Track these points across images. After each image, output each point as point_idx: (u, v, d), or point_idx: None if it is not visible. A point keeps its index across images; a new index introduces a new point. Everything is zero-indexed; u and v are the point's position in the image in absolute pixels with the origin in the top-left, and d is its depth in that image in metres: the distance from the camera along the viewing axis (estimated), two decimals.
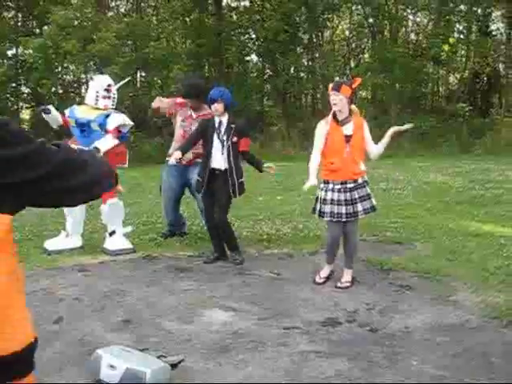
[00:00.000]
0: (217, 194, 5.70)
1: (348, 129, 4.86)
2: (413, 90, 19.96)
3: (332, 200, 4.90)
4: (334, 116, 4.90)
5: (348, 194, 4.86)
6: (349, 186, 4.86)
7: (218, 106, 5.60)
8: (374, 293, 4.83)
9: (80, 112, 6.29)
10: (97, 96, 6.24)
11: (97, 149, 6.12)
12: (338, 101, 4.81)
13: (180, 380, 3.32)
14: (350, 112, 4.89)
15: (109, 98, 6.28)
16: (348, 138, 4.85)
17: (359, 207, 4.89)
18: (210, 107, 5.80)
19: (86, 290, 4.98)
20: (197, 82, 6.92)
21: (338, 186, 4.88)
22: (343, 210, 4.87)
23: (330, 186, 4.91)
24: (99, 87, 6.27)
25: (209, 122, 5.76)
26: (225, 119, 5.66)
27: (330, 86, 4.95)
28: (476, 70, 21.35)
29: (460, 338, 3.85)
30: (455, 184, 10.45)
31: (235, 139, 5.62)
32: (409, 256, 5.88)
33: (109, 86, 6.31)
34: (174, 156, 5.61)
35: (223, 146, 5.62)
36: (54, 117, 6.29)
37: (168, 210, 6.83)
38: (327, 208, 4.92)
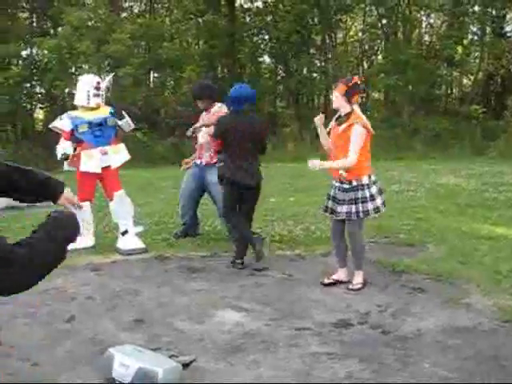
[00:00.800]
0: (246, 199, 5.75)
1: (339, 129, 4.92)
2: (426, 91, 19.87)
3: (329, 195, 5.06)
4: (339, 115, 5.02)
5: (342, 193, 4.91)
6: (345, 186, 4.89)
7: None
8: (386, 295, 4.81)
9: (85, 115, 6.30)
10: (88, 96, 6.25)
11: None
12: (334, 98, 4.92)
13: (192, 380, 3.33)
14: (349, 114, 4.87)
15: (98, 95, 6.31)
16: (332, 138, 5.00)
17: (343, 209, 4.90)
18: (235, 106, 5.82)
19: (98, 289, 5.00)
20: (207, 83, 7.08)
21: (337, 184, 4.97)
22: (336, 207, 4.97)
23: (333, 182, 5.05)
24: (90, 86, 6.28)
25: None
26: None
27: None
28: (490, 71, 21.22)
29: (472, 340, 3.84)
30: (468, 186, 10.40)
31: None
32: (421, 258, 5.86)
33: (98, 83, 6.36)
34: None
35: None
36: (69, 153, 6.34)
37: (186, 210, 6.84)
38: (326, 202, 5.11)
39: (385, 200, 5.06)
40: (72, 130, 6.26)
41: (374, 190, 4.92)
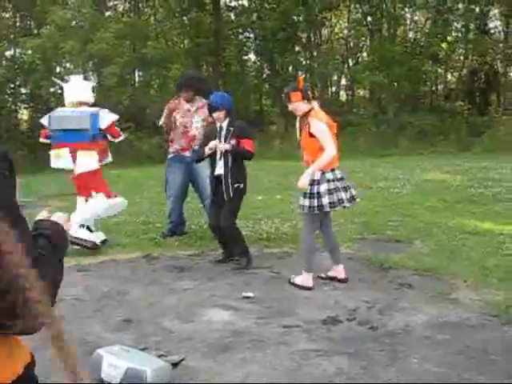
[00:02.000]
0: (222, 201, 5.59)
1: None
2: (411, 88, 19.96)
3: None
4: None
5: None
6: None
7: (219, 115, 5.55)
8: (374, 291, 4.83)
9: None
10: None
11: None
12: (295, 109, 4.94)
13: (181, 379, 3.32)
14: (307, 113, 4.87)
15: None
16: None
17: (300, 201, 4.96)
18: (210, 115, 5.76)
19: (86, 290, 4.98)
20: (187, 73, 7.08)
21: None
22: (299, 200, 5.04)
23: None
24: (90, 85, 6.47)
25: (214, 129, 5.72)
26: (225, 124, 5.60)
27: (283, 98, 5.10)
28: (474, 68, 21.36)
29: (460, 335, 3.85)
30: (454, 182, 10.46)
31: (233, 141, 5.52)
32: (408, 254, 5.88)
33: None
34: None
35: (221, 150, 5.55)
36: None
37: (174, 207, 6.81)
38: None
39: (336, 200, 4.84)
40: None
41: (322, 188, 4.77)
